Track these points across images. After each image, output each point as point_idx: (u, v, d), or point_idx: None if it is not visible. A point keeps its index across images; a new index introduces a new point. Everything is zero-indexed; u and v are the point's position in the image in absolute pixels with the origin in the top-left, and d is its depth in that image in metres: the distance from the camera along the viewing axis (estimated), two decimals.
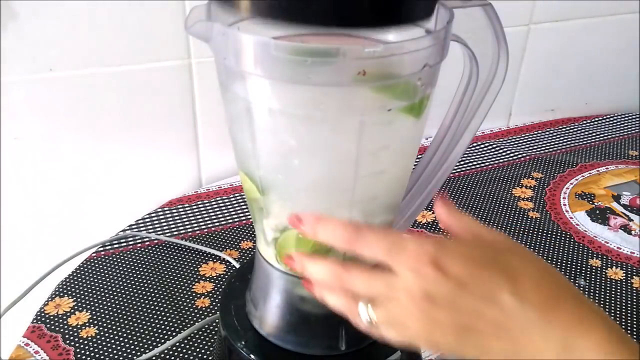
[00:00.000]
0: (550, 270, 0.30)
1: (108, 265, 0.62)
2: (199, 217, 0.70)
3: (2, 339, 0.62)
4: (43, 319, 0.56)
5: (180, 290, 0.59)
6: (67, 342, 0.53)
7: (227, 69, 0.32)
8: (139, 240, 0.66)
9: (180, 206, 0.72)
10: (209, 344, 0.53)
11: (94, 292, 0.59)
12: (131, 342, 0.53)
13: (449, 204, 0.33)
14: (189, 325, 0.55)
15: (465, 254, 0.29)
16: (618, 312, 0.57)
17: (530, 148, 0.87)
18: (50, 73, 0.63)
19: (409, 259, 0.29)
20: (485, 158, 0.84)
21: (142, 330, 0.55)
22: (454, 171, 0.80)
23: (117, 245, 0.65)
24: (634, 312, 0.57)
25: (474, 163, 0.83)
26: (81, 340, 0.53)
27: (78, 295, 0.58)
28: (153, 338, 0.54)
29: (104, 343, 0.53)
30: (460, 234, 0.33)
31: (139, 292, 0.59)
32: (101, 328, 0.55)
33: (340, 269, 0.31)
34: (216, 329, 0.55)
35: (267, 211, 0.36)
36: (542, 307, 0.28)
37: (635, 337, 0.54)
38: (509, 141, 0.89)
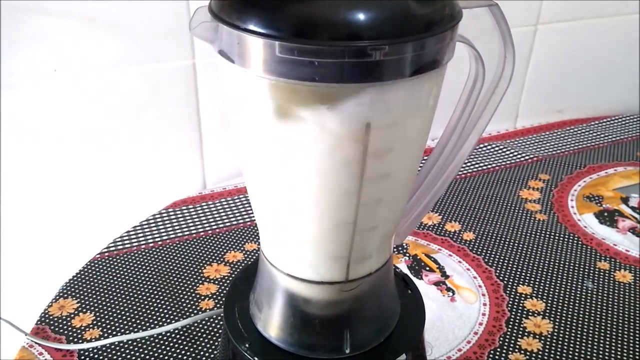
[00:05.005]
0: None
1: (112, 266, 0.62)
2: (203, 218, 0.70)
3: (7, 341, 0.62)
4: (47, 320, 0.56)
5: (184, 292, 0.59)
6: (72, 344, 0.53)
7: (231, 70, 0.31)
8: (143, 242, 0.66)
9: (184, 207, 0.72)
10: (214, 346, 0.53)
11: (98, 293, 0.59)
12: (135, 343, 0.53)
13: None
14: (193, 327, 0.55)
15: None
16: (626, 316, 0.57)
17: (538, 149, 0.86)
18: (54, 73, 0.63)
19: None
20: (492, 159, 0.83)
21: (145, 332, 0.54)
22: (460, 173, 0.79)
23: (121, 247, 0.65)
24: None
25: (481, 164, 0.82)
26: (85, 342, 0.53)
27: (82, 297, 0.58)
28: (156, 339, 0.54)
29: (107, 344, 0.53)
30: None
31: (143, 293, 0.59)
32: (105, 329, 0.55)
33: None
34: (220, 331, 0.54)
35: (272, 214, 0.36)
36: None
37: None
38: (515, 142, 0.88)
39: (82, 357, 0.52)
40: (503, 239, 0.67)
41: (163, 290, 0.59)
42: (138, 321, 0.56)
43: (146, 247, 0.65)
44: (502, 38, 0.35)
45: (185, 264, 0.63)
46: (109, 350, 0.52)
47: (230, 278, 0.61)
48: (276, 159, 0.33)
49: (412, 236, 0.68)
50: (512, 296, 0.59)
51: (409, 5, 0.29)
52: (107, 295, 0.59)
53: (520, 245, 0.66)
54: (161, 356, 0.52)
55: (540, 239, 0.67)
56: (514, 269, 0.63)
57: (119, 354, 0.52)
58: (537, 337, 0.54)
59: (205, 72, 0.70)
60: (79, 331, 0.54)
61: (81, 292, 0.59)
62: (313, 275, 0.37)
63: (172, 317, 0.56)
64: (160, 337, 0.54)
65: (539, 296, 0.59)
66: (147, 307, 0.57)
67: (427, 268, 0.63)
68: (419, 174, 0.42)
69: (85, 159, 0.69)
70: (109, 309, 0.57)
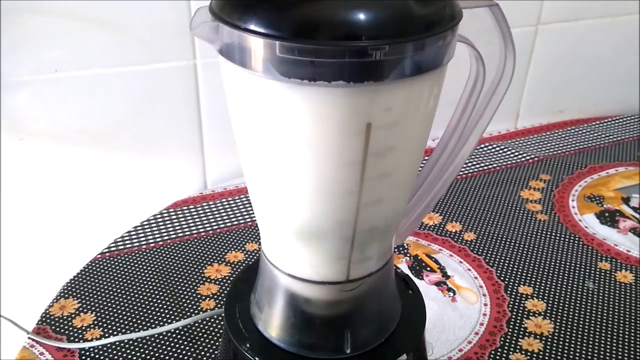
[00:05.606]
0: None
1: (113, 266, 0.62)
2: (204, 218, 0.70)
3: (8, 341, 0.62)
4: (48, 320, 0.56)
5: (184, 292, 0.59)
6: (72, 343, 0.53)
7: (232, 70, 0.31)
8: (144, 242, 0.66)
9: (185, 208, 0.72)
10: (215, 346, 0.53)
11: (98, 293, 0.59)
12: (135, 343, 0.53)
13: None
14: (194, 327, 0.55)
15: None
16: (627, 316, 0.57)
17: (538, 150, 0.86)
18: (55, 74, 0.63)
19: None
20: (493, 160, 0.83)
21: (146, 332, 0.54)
22: (461, 173, 0.79)
23: (122, 247, 0.65)
24: None
25: (481, 165, 0.82)
26: (86, 342, 0.53)
27: (83, 297, 0.58)
28: (157, 339, 0.54)
29: (108, 345, 0.53)
30: None
31: (144, 293, 0.59)
32: (106, 329, 0.55)
33: None
34: (221, 331, 0.54)
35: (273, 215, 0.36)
36: None
37: None
38: (516, 143, 0.88)
39: (83, 357, 0.52)
40: (504, 239, 0.67)
41: (164, 290, 0.59)
42: (139, 321, 0.56)
43: (147, 247, 0.65)
44: (503, 38, 0.35)
45: (186, 264, 0.63)
46: (109, 350, 0.53)
47: (231, 278, 0.61)
48: (277, 159, 0.33)
49: (412, 236, 0.68)
50: (513, 296, 0.59)
51: (410, 5, 0.29)
52: (107, 295, 0.59)
53: (521, 246, 0.66)
54: (162, 356, 0.52)
55: (541, 239, 0.67)
56: (515, 269, 0.63)
57: (119, 353, 0.52)
58: (538, 337, 0.54)
59: (206, 72, 0.70)
60: (79, 331, 0.54)
61: (82, 292, 0.59)
62: (314, 276, 0.37)
63: (172, 317, 0.56)
64: (160, 337, 0.54)
65: (540, 296, 0.59)
66: (147, 307, 0.57)
67: (428, 268, 0.63)
68: (420, 174, 0.42)
69: (86, 159, 0.69)
70: (110, 309, 0.57)
